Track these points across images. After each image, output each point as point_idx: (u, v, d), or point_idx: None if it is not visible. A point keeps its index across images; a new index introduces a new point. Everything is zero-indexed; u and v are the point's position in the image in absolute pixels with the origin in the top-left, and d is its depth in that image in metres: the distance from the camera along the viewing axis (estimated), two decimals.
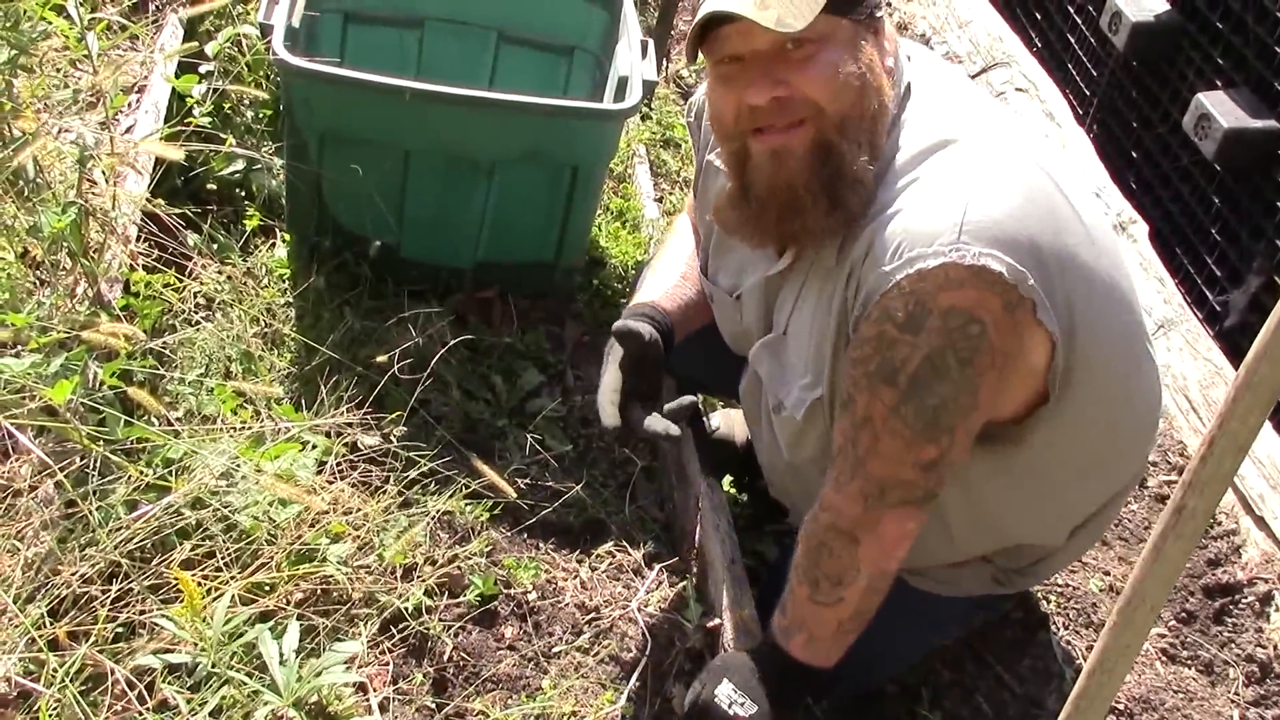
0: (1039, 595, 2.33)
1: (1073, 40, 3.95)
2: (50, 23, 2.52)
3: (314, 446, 2.06)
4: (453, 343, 2.37)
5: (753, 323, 1.87)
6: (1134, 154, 3.54)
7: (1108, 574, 2.42)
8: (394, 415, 2.20)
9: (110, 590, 1.72)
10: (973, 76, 4.05)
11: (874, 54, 1.61)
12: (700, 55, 1.63)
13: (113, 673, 1.63)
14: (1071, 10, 3.94)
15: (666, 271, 2.09)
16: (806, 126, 1.58)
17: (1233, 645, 2.28)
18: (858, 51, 1.58)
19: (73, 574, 1.70)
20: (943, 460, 1.58)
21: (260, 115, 2.94)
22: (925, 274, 1.48)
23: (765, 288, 1.82)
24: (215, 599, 1.70)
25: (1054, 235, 1.53)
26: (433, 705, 1.88)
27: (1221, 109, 2.96)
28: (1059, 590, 2.36)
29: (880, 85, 1.60)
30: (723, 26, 1.57)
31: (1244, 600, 2.33)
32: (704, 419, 2.39)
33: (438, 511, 2.08)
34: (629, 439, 1.95)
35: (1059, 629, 2.28)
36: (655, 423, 1.90)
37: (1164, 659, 2.26)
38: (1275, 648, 2.26)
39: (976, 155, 1.56)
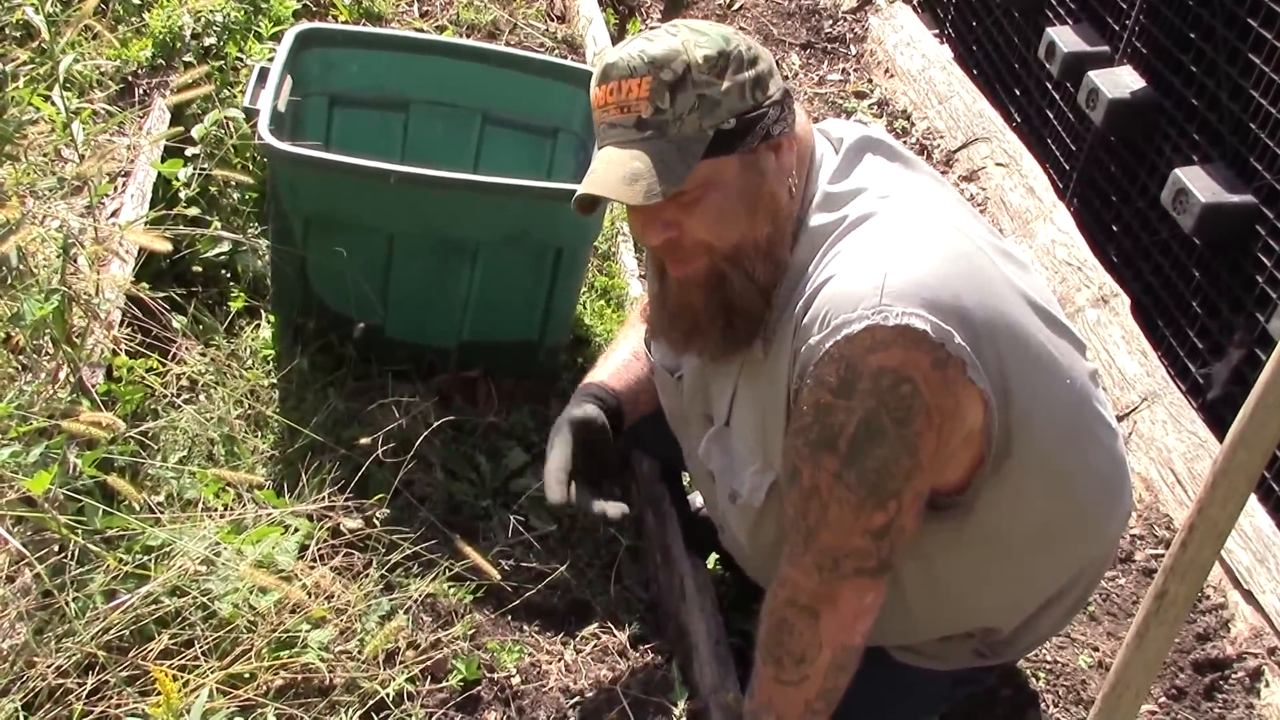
0: (1028, 672, 2.31)
1: (1051, 116, 4.01)
2: (38, 109, 2.55)
3: (296, 530, 2.04)
4: (437, 424, 2.37)
5: (691, 405, 1.90)
6: (1114, 227, 3.58)
7: (1096, 649, 2.41)
8: (377, 497, 2.18)
9: (86, 683, 1.69)
10: (953, 151, 4.11)
11: (771, 178, 1.63)
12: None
13: None
14: (1049, 86, 4.00)
15: (619, 351, 2.13)
16: (703, 258, 1.65)
17: None
18: (748, 183, 1.61)
19: (48, 666, 1.67)
20: (893, 527, 1.58)
21: (246, 198, 2.96)
22: (852, 338, 1.50)
23: (702, 371, 1.85)
24: (193, 692, 1.67)
25: (979, 296, 1.55)
26: None
27: (1198, 184, 2.99)
28: (1048, 667, 2.34)
29: (776, 207, 1.64)
30: None
31: (1234, 676, 2.31)
32: (687, 498, 2.38)
33: (420, 595, 2.06)
34: (576, 515, 2.01)
35: (1049, 706, 2.26)
36: (604, 505, 1.93)
37: None
38: None
39: (896, 224, 1.59)
